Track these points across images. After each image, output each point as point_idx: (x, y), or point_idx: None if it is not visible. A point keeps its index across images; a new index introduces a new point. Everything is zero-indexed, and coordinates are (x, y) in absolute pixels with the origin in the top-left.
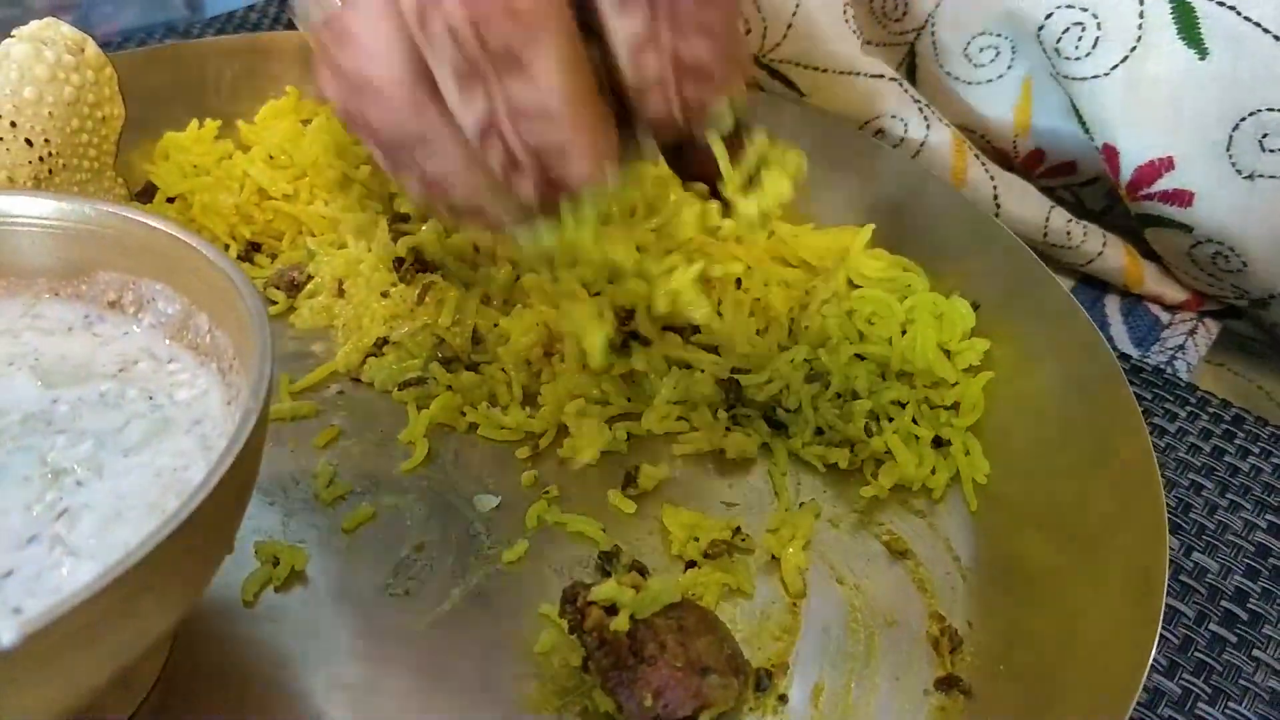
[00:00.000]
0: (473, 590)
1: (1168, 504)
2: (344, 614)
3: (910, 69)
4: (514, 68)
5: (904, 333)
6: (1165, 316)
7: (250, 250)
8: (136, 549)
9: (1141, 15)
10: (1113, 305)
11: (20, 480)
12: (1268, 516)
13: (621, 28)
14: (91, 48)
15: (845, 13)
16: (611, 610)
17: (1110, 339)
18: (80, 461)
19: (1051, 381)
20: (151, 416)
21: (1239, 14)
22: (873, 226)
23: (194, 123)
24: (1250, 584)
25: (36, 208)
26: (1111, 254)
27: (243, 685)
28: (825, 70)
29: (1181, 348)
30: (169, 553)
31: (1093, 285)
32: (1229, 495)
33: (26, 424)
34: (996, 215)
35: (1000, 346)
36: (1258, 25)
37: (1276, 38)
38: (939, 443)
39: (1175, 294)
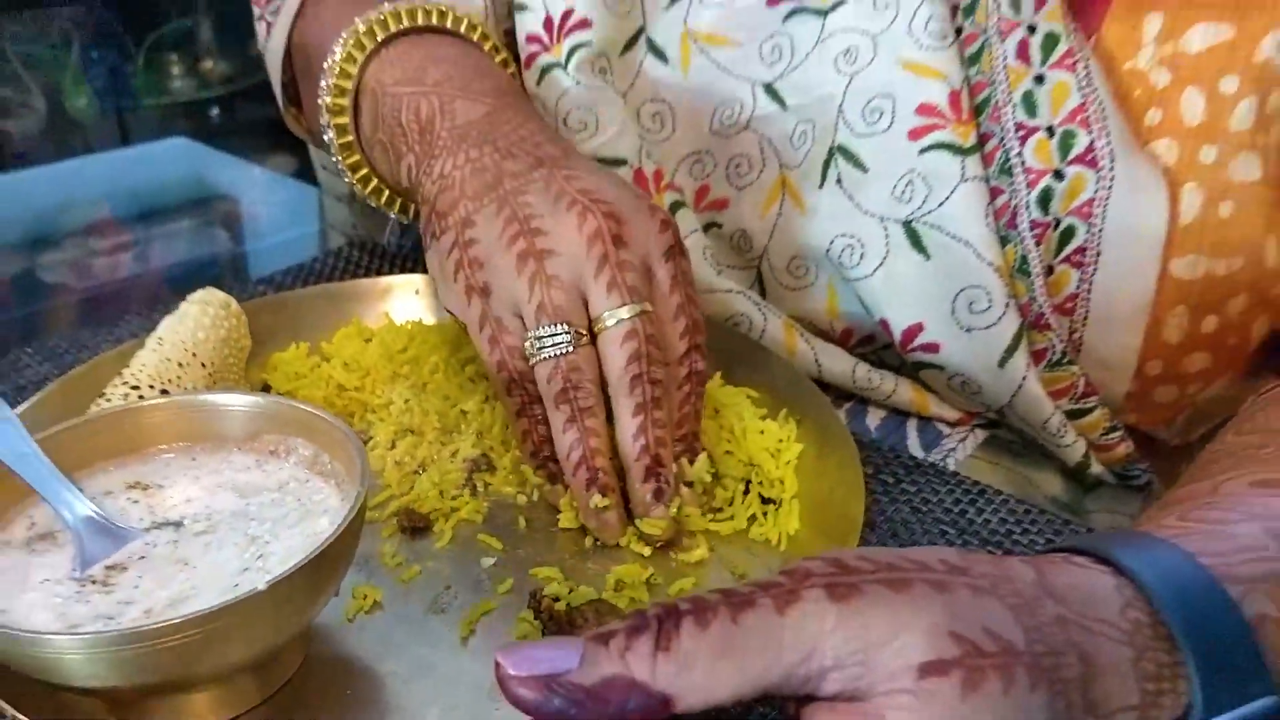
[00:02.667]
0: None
1: None
2: (408, 628)
3: (760, 282)
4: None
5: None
6: (946, 430)
7: None
8: (301, 559)
9: (887, 237)
10: (910, 426)
11: (234, 545)
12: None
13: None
14: (234, 304)
15: (704, 253)
16: (556, 600)
17: (906, 448)
18: (265, 533)
19: (825, 466)
20: (300, 509)
21: (945, 232)
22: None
23: (292, 345)
24: None
25: (231, 400)
26: (902, 390)
27: (347, 675)
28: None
29: (953, 450)
30: (315, 566)
31: (897, 413)
32: (964, 538)
33: (234, 517)
34: (819, 372)
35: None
36: (956, 238)
37: (966, 243)
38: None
39: (950, 414)
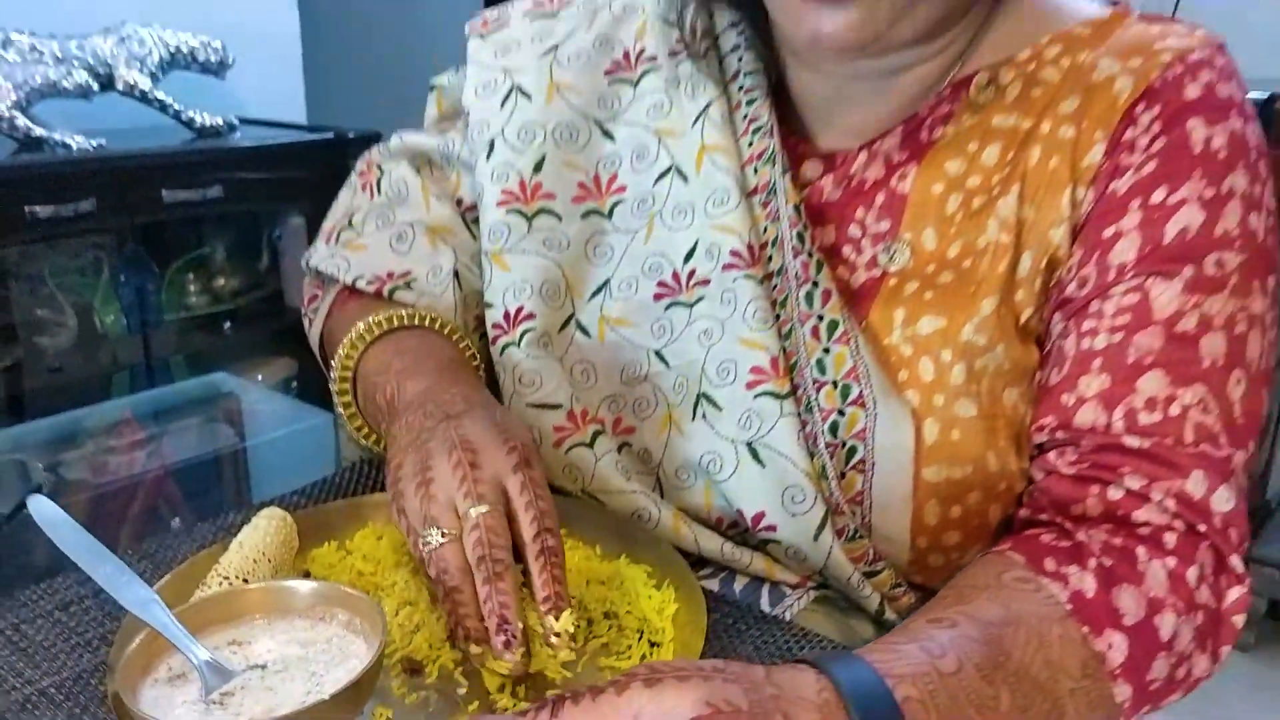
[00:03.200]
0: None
1: None
2: None
3: (659, 485)
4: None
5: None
6: (788, 590)
7: None
8: (343, 686)
9: (737, 454)
10: (764, 589)
11: (301, 678)
12: None
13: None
14: (289, 517)
15: (616, 465)
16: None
17: (759, 605)
18: (320, 670)
19: (688, 619)
20: (341, 655)
21: (773, 450)
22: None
23: (326, 544)
24: None
25: (293, 585)
26: (756, 562)
27: None
28: (609, 492)
29: (791, 605)
30: (353, 690)
31: (756, 579)
32: None
33: (299, 661)
34: (698, 550)
35: (678, 606)
36: (780, 453)
37: (786, 457)
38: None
39: (791, 578)
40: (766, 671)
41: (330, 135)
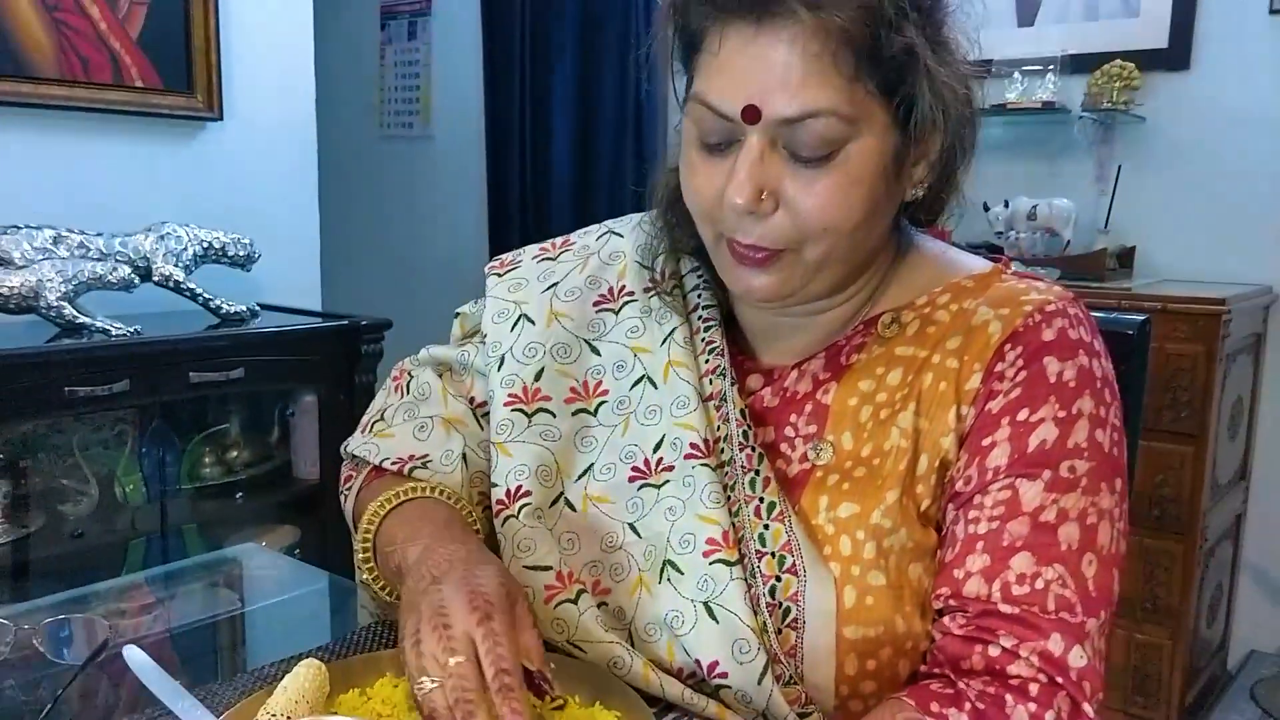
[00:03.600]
0: None
1: None
2: None
3: (631, 638)
4: None
5: None
6: None
7: None
8: None
9: (695, 612)
10: None
11: None
12: None
13: None
14: (323, 667)
15: (596, 619)
16: None
17: None
18: None
19: None
20: None
21: (725, 609)
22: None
23: (351, 690)
24: None
25: None
26: (712, 706)
27: None
28: (590, 642)
29: None
30: None
31: None
32: None
33: None
34: (664, 695)
35: None
36: (730, 611)
37: (736, 615)
38: None
39: None
40: None
41: (344, 322)
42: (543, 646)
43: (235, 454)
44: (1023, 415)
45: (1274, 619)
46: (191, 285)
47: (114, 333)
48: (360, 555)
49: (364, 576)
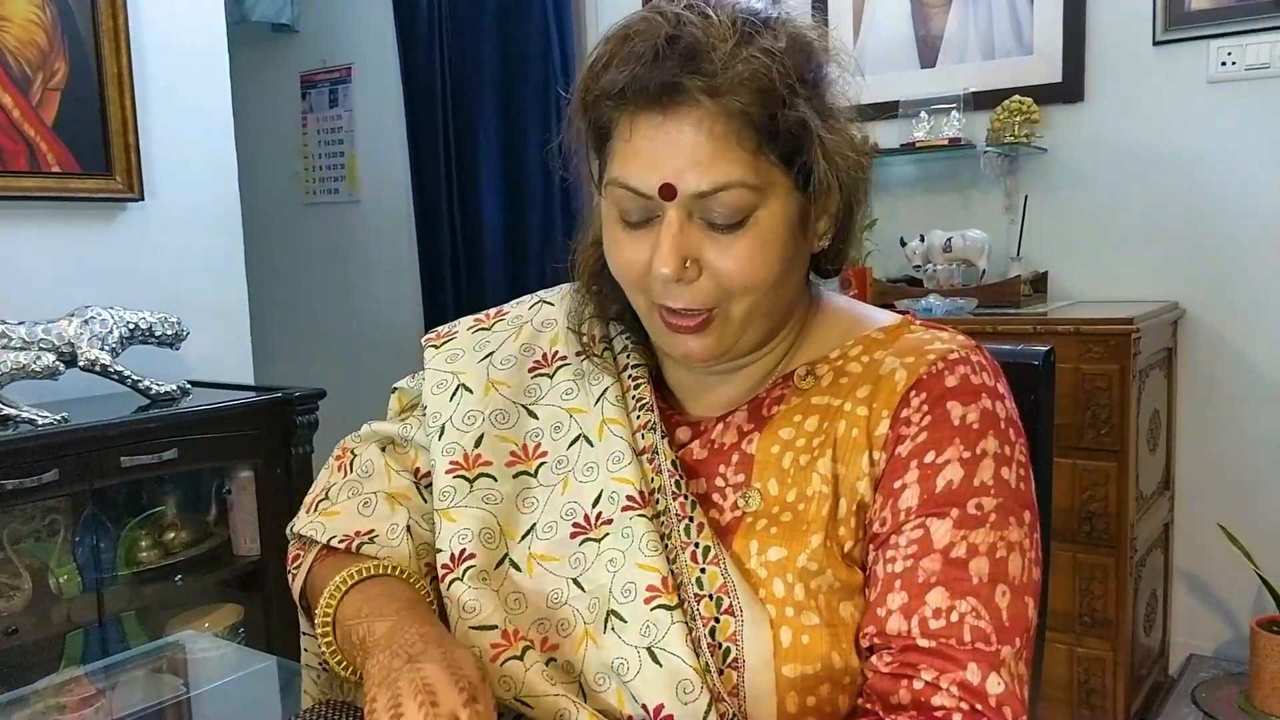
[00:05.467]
0: None
1: None
2: None
3: (581, 689)
4: None
5: None
6: None
7: None
8: None
9: (640, 658)
10: None
11: None
12: None
13: None
14: None
15: (541, 673)
16: None
17: None
18: None
19: None
20: None
21: (668, 652)
22: None
23: None
24: None
25: None
26: None
27: None
28: (537, 696)
29: None
30: None
31: None
32: None
33: None
34: None
35: None
36: (673, 654)
37: (679, 657)
38: None
39: None
40: None
41: (278, 395)
42: None
43: (173, 535)
44: (929, 458)
45: (1209, 623)
46: (119, 368)
47: (40, 422)
48: (320, 629)
49: (323, 651)
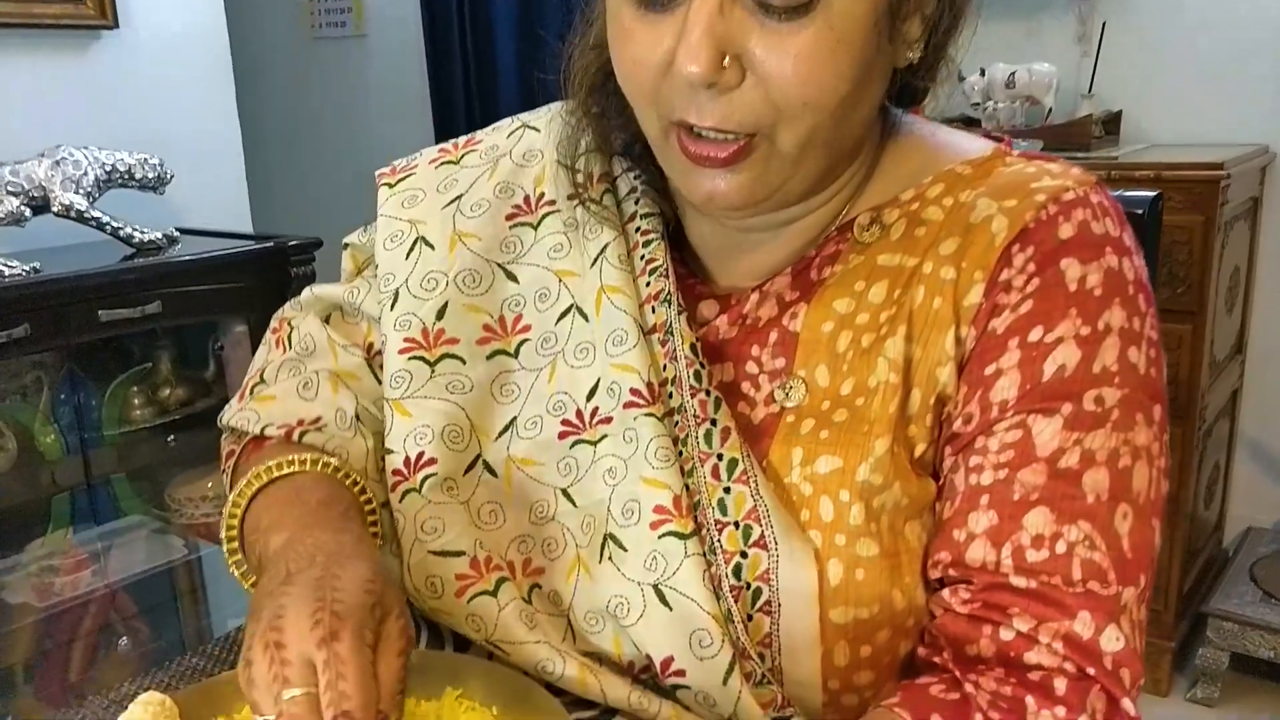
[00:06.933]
0: None
1: None
2: None
3: (570, 628)
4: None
5: None
6: None
7: None
8: None
9: (644, 596)
10: None
11: None
12: None
13: None
14: (168, 701)
15: (520, 615)
16: None
17: None
18: None
19: None
20: None
21: (679, 592)
22: None
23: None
24: None
25: None
26: (665, 710)
27: None
28: (513, 643)
29: None
30: None
31: None
32: None
33: None
34: (605, 700)
35: None
36: (685, 595)
37: (692, 599)
38: None
39: None
40: None
41: (270, 244)
42: (403, 681)
43: (167, 393)
44: (1035, 335)
45: (1271, 494)
46: (96, 214)
47: (8, 273)
48: (227, 546)
49: (236, 574)
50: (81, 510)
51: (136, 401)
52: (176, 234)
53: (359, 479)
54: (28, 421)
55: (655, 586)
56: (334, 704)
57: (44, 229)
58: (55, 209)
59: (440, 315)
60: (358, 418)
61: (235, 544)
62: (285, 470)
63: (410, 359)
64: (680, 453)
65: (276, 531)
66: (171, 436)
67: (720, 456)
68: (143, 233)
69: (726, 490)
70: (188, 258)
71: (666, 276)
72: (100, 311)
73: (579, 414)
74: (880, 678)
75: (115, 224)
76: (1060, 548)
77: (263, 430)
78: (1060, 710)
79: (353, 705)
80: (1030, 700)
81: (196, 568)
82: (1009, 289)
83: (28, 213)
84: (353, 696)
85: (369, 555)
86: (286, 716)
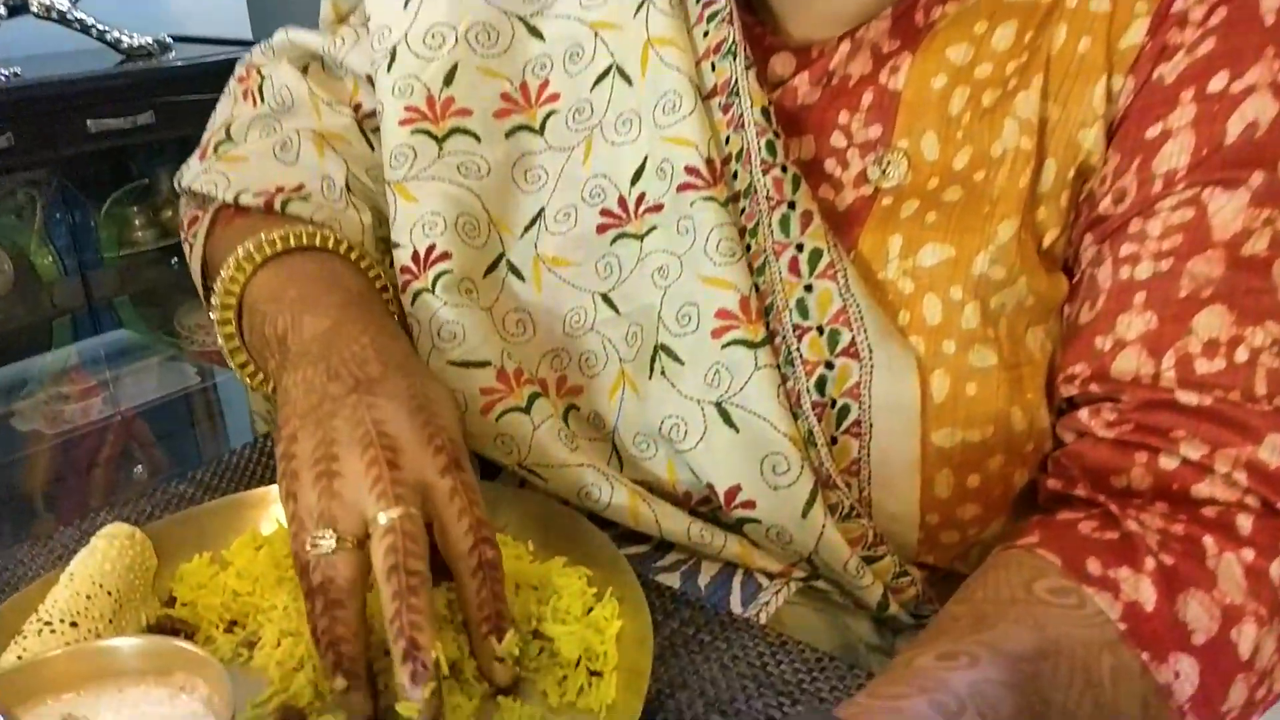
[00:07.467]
0: None
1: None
2: None
3: (616, 453)
4: None
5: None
6: (765, 581)
7: (231, 625)
8: None
9: (704, 416)
10: (736, 580)
11: None
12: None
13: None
14: (138, 534)
15: (559, 435)
16: None
17: (728, 603)
18: None
19: (634, 638)
20: None
21: (747, 410)
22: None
23: (196, 556)
24: None
25: (138, 644)
26: (730, 545)
27: None
28: (550, 466)
29: (768, 602)
30: None
31: (729, 565)
32: (761, 690)
33: None
34: (660, 533)
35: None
36: (756, 414)
37: (764, 419)
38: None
39: (774, 565)
40: None
41: None
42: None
43: (170, 213)
44: (1218, 83)
45: None
46: (80, 15)
47: None
48: (220, 315)
49: (223, 346)
50: (85, 334)
51: (137, 223)
52: (169, 40)
53: (375, 266)
54: (23, 243)
55: (718, 404)
56: (474, 530)
57: (22, 34)
58: (34, 8)
59: (449, 80)
60: (348, 188)
61: (232, 327)
62: (304, 243)
63: (413, 132)
64: (749, 245)
65: (311, 312)
66: (175, 259)
67: (800, 247)
68: (131, 37)
69: (808, 288)
70: (182, 63)
71: (730, 23)
72: (89, 121)
73: (621, 201)
74: (989, 513)
75: (101, 27)
76: (1241, 355)
77: (236, 197)
78: (1248, 553)
79: (489, 533)
80: (1209, 541)
81: (213, 394)
82: (1184, 23)
83: (3, 11)
84: (488, 525)
85: (428, 370)
86: (399, 535)
